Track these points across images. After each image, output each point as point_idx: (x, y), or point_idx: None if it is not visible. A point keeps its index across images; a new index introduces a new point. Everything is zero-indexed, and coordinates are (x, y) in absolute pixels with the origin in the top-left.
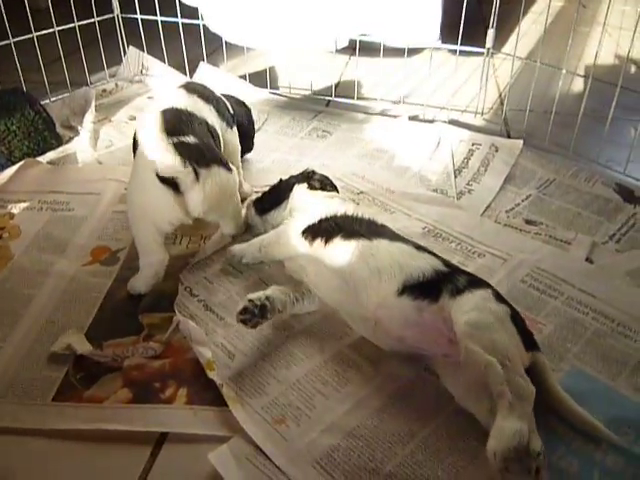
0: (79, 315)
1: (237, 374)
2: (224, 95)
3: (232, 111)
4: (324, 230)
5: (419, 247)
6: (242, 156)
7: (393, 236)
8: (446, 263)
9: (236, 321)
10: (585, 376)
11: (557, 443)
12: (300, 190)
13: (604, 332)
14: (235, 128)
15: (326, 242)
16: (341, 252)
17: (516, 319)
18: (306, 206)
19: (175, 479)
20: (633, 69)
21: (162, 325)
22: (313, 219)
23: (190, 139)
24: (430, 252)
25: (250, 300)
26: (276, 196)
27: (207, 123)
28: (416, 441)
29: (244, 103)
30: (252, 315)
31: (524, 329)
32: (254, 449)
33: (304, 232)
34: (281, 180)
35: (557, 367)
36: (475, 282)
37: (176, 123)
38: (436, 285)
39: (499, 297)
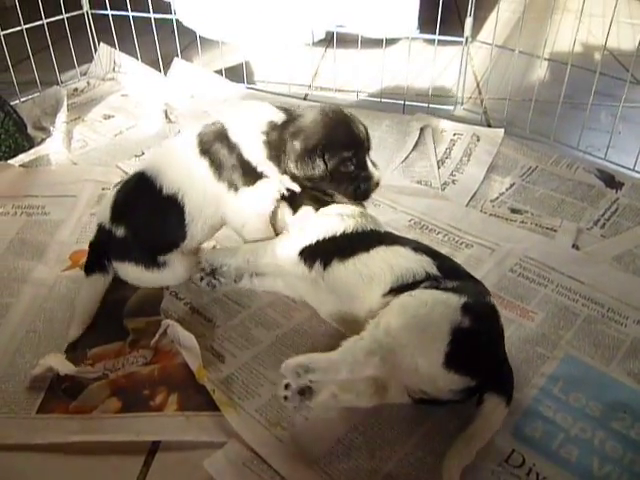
0: (61, 324)
1: (228, 377)
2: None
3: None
4: (322, 252)
5: (418, 248)
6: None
7: (393, 241)
8: (441, 266)
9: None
10: (579, 363)
11: (556, 430)
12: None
13: (595, 318)
14: (245, 189)
15: (325, 266)
16: (338, 274)
17: (466, 338)
18: (303, 221)
19: None
20: (598, 55)
21: (148, 329)
22: (310, 239)
23: (119, 231)
24: (430, 253)
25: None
26: None
27: (169, 197)
28: (415, 438)
29: (347, 126)
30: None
31: (474, 353)
32: (251, 453)
33: (301, 254)
34: None
35: (551, 355)
36: (457, 289)
37: (123, 203)
38: (418, 286)
39: (469, 309)
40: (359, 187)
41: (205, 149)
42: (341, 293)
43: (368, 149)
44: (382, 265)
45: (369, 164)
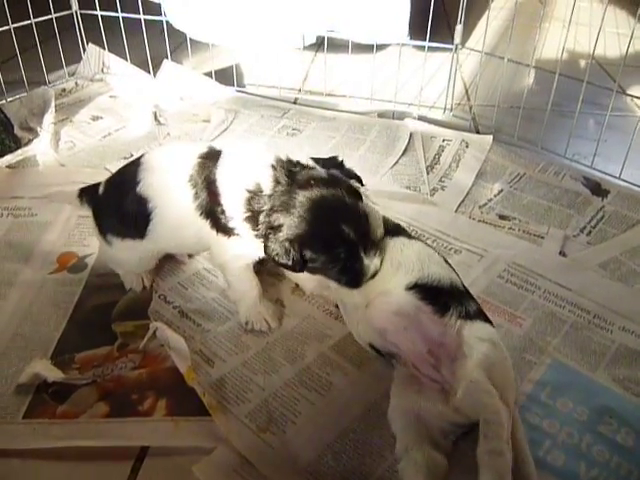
0: (48, 327)
1: (218, 381)
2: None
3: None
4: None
5: (447, 262)
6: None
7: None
8: (464, 286)
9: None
10: (566, 369)
11: (542, 437)
12: None
13: (581, 324)
14: (229, 237)
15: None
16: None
17: None
18: None
19: None
20: (584, 63)
21: (136, 333)
22: None
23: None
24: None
25: None
26: None
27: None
28: None
29: (337, 223)
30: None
31: None
32: (240, 459)
33: None
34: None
35: (538, 360)
36: (483, 315)
37: (116, 175)
38: (446, 299)
39: None
40: (347, 278)
41: (195, 179)
42: None
43: (366, 242)
44: (415, 258)
45: (363, 255)
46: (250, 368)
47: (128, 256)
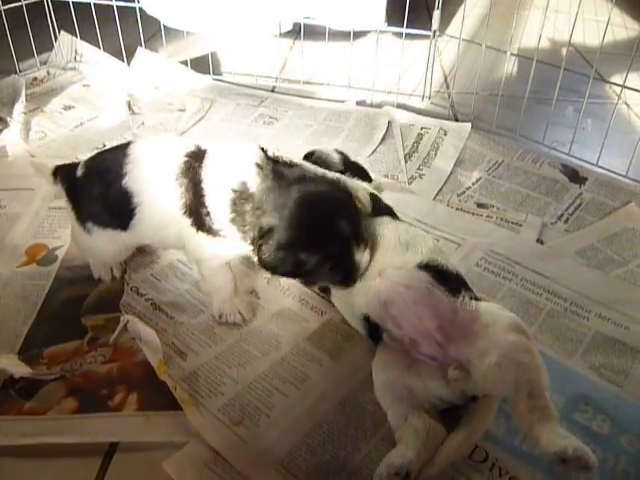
0: (16, 322)
1: (190, 374)
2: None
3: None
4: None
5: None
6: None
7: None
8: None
9: None
10: (543, 357)
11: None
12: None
13: (558, 312)
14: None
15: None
16: (384, 222)
17: None
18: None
19: None
20: (563, 51)
21: (107, 327)
22: None
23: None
24: None
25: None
26: None
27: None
28: (380, 434)
29: (330, 221)
30: None
31: None
32: (212, 454)
33: None
34: None
35: None
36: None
37: (97, 161)
38: (456, 284)
39: None
40: (341, 277)
41: (181, 179)
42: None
43: (358, 237)
44: (422, 240)
45: (355, 251)
46: (224, 361)
47: (106, 246)
